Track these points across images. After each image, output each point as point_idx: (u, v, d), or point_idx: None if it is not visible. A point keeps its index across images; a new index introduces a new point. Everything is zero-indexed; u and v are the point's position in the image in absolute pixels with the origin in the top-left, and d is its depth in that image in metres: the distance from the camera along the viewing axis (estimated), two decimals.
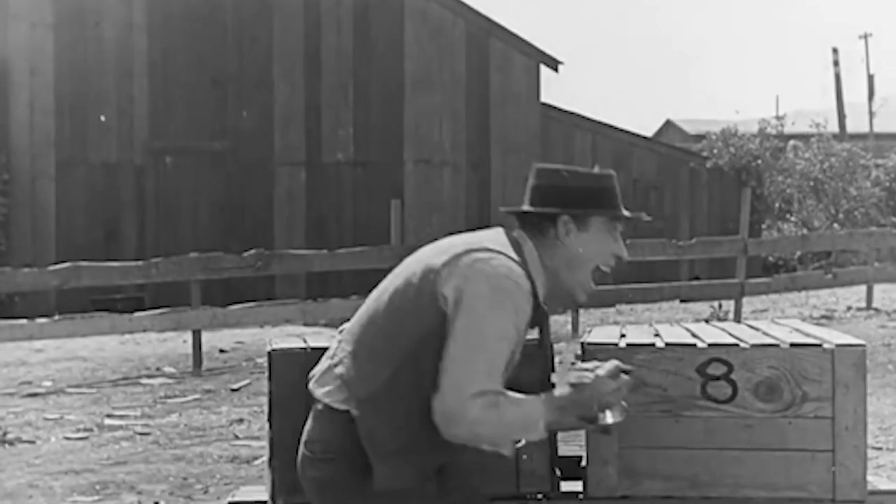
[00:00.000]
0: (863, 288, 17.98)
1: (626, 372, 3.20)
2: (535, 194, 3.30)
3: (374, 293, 3.32)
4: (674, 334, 4.00)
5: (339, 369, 3.24)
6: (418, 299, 3.16)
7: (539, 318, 3.34)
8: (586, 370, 3.18)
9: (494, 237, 3.27)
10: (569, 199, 3.26)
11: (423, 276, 3.18)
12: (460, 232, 3.53)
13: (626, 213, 3.36)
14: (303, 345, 3.76)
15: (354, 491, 3.20)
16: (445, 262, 3.17)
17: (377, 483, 3.16)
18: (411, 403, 3.14)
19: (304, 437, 3.29)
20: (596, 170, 3.33)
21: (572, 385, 3.15)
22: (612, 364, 3.19)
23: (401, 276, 3.25)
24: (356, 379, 3.19)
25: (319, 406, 3.26)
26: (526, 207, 3.30)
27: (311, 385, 3.31)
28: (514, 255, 3.21)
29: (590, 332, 4.15)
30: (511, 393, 3.11)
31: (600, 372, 3.16)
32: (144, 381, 12.27)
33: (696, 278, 22.07)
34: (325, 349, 3.62)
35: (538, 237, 3.27)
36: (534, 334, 3.58)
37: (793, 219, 27.31)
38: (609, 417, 3.18)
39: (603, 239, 3.32)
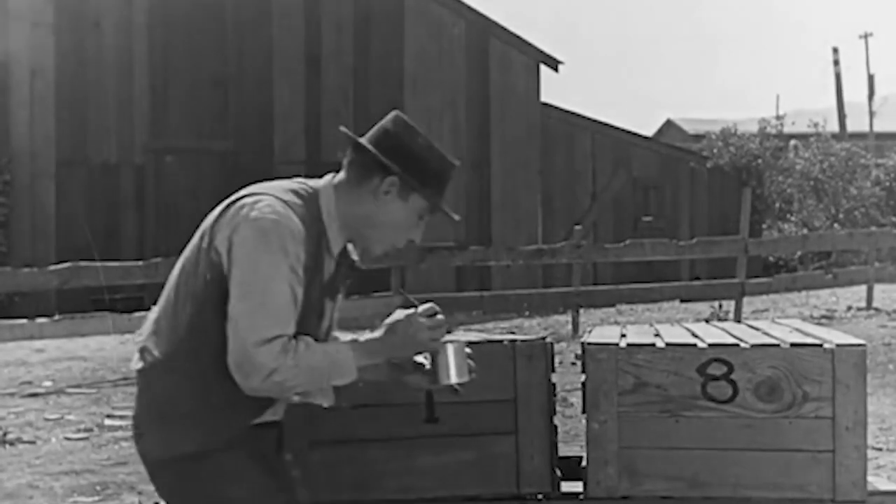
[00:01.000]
0: (863, 288, 17.98)
1: (437, 314, 3.15)
2: (382, 137, 3.17)
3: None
4: (674, 334, 4.00)
5: (140, 339, 3.19)
6: (198, 257, 3.10)
7: (343, 268, 3.22)
8: (401, 314, 3.12)
9: (282, 183, 3.17)
10: (410, 165, 3.13)
11: (203, 233, 3.13)
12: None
13: (445, 208, 3.25)
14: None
15: (170, 460, 3.12)
16: (218, 216, 3.11)
17: (151, 449, 3.10)
18: (203, 364, 3.05)
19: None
20: (446, 154, 3.23)
21: (384, 327, 3.10)
22: (427, 306, 3.14)
23: (190, 244, 3.19)
24: (152, 345, 3.13)
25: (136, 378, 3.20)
26: (369, 146, 3.15)
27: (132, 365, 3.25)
28: (291, 196, 3.09)
29: (590, 332, 4.15)
30: (309, 339, 3.02)
31: (414, 318, 3.10)
32: None
33: (697, 278, 22.08)
34: None
35: (359, 179, 3.15)
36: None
37: (793, 219, 27.31)
38: (454, 376, 3.16)
39: (411, 217, 3.19)
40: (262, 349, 2.94)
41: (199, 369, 3.07)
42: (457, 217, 3.34)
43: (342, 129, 3.25)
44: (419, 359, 3.27)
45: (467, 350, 3.20)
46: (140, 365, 3.15)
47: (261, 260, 2.99)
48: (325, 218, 3.14)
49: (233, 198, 3.16)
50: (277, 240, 3.00)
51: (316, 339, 3.10)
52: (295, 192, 3.13)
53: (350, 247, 3.24)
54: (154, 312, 3.23)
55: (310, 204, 3.12)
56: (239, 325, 2.96)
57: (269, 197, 3.08)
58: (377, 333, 3.11)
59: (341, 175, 3.19)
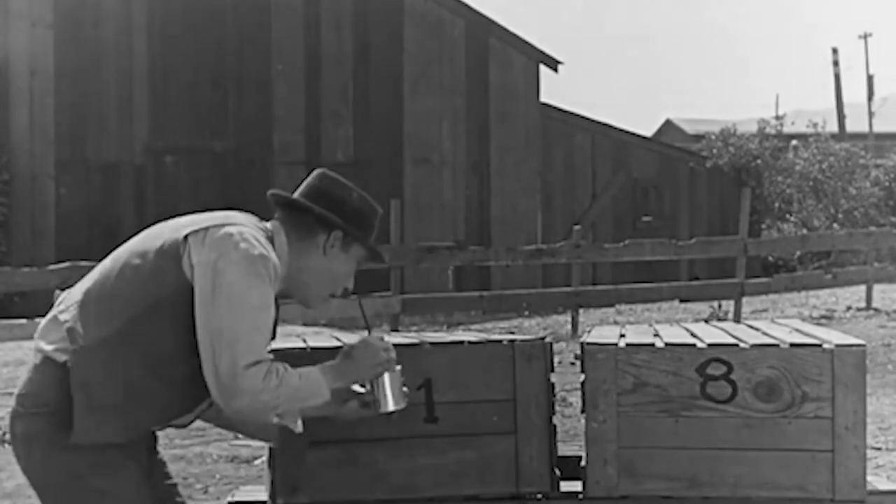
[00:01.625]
0: (862, 288, 17.97)
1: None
2: (317, 195, 3.31)
3: (109, 258, 3.29)
4: (673, 334, 4.00)
5: (65, 316, 3.18)
6: (159, 262, 3.14)
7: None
8: (359, 340, 3.33)
9: (247, 220, 3.26)
10: (350, 217, 3.30)
11: (169, 241, 3.16)
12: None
13: (381, 253, 3.46)
14: (302, 345, 3.77)
15: (60, 446, 3.13)
16: (194, 232, 3.15)
17: (77, 436, 3.10)
18: (133, 360, 3.11)
19: (17, 391, 3.22)
20: (372, 202, 3.41)
21: (343, 353, 3.28)
22: (379, 332, 3.38)
23: (143, 242, 3.22)
24: (80, 328, 3.14)
25: (38, 359, 3.19)
26: (309, 205, 3.29)
27: (35, 339, 3.24)
28: (263, 238, 3.21)
29: (589, 332, 4.15)
30: (283, 363, 3.15)
31: (370, 342, 3.30)
32: None
33: (696, 278, 22.08)
34: (324, 349, 3.63)
35: (300, 235, 3.28)
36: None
37: (792, 219, 27.31)
38: (391, 404, 3.31)
39: (351, 266, 3.35)
40: (251, 371, 3.05)
41: (133, 364, 3.12)
42: (386, 259, 3.57)
43: (272, 192, 3.38)
44: (356, 388, 3.40)
45: (402, 378, 3.36)
46: (64, 355, 3.14)
47: (253, 288, 3.10)
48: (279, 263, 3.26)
49: (206, 221, 3.21)
50: (266, 272, 3.13)
51: None
52: (262, 231, 3.24)
53: None
54: (79, 293, 3.22)
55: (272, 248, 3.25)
56: (226, 348, 3.04)
57: (251, 230, 3.19)
58: (338, 358, 3.29)
59: (282, 228, 3.30)
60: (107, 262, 3.27)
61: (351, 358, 3.27)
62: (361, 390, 3.38)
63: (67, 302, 3.23)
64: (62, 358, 3.14)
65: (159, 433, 3.40)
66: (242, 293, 3.07)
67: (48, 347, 3.17)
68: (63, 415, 3.12)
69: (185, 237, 3.15)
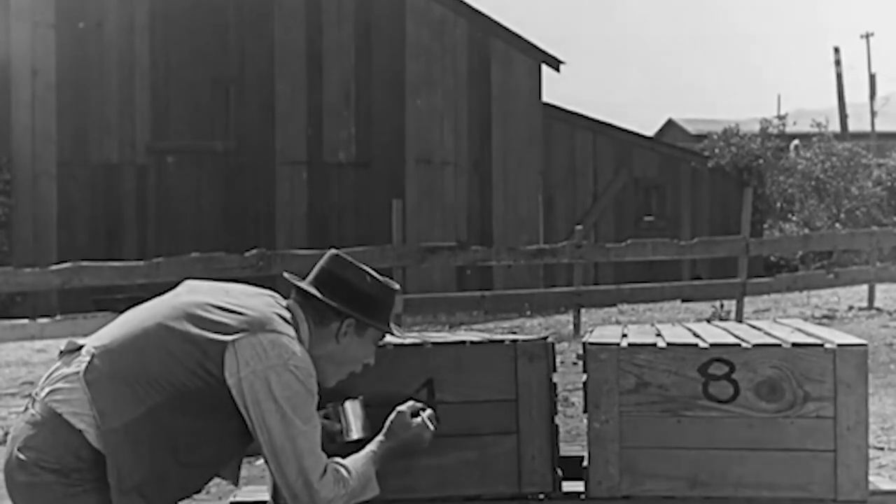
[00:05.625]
0: (865, 288, 17.96)
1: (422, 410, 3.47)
2: (329, 281, 3.35)
3: (141, 316, 3.25)
4: (675, 334, 3.99)
5: (93, 390, 3.12)
6: (197, 355, 3.14)
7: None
8: (405, 413, 3.44)
9: (277, 311, 3.28)
10: (360, 302, 3.35)
11: (209, 336, 3.15)
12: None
13: (395, 330, 3.50)
14: None
15: None
16: (236, 338, 3.15)
17: None
18: (158, 444, 3.13)
19: (18, 438, 3.16)
20: (387, 281, 3.42)
21: (393, 433, 3.42)
22: (410, 404, 3.46)
23: (178, 319, 3.19)
24: (110, 404, 3.11)
25: (46, 413, 3.14)
26: (318, 294, 3.34)
27: (43, 385, 3.19)
28: (296, 337, 3.27)
29: (591, 331, 4.15)
30: (342, 461, 3.30)
31: (418, 420, 3.44)
32: None
33: (698, 278, 22.07)
34: None
35: (316, 325, 3.35)
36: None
37: (794, 218, 27.31)
38: (354, 433, 3.47)
39: (368, 347, 3.42)
40: (324, 482, 3.22)
41: (158, 448, 3.14)
42: (400, 332, 3.61)
43: (286, 275, 3.47)
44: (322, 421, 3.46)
45: (363, 407, 3.49)
46: (81, 422, 3.11)
47: (306, 406, 3.21)
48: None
49: (247, 320, 3.19)
50: (313, 387, 3.24)
51: None
52: (293, 329, 3.29)
53: None
54: (100, 359, 3.17)
55: (301, 340, 3.33)
56: (295, 464, 3.18)
57: (290, 340, 3.22)
58: (386, 440, 3.42)
59: (301, 313, 3.35)
60: (136, 326, 3.21)
61: (404, 440, 3.43)
62: (325, 422, 3.45)
63: (95, 370, 3.15)
64: (80, 426, 3.11)
65: None
66: (298, 408, 3.18)
67: (64, 409, 3.12)
68: (73, 477, 3.10)
69: (228, 340, 3.15)
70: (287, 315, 3.29)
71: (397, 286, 3.47)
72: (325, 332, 3.34)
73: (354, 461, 3.33)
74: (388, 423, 3.41)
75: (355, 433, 3.41)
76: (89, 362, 3.16)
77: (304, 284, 3.35)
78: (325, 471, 3.21)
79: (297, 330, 3.29)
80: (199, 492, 3.35)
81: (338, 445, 3.43)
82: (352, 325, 3.34)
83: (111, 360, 3.15)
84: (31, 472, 3.11)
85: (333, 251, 3.44)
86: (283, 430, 3.16)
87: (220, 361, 3.13)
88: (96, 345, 3.20)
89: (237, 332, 3.16)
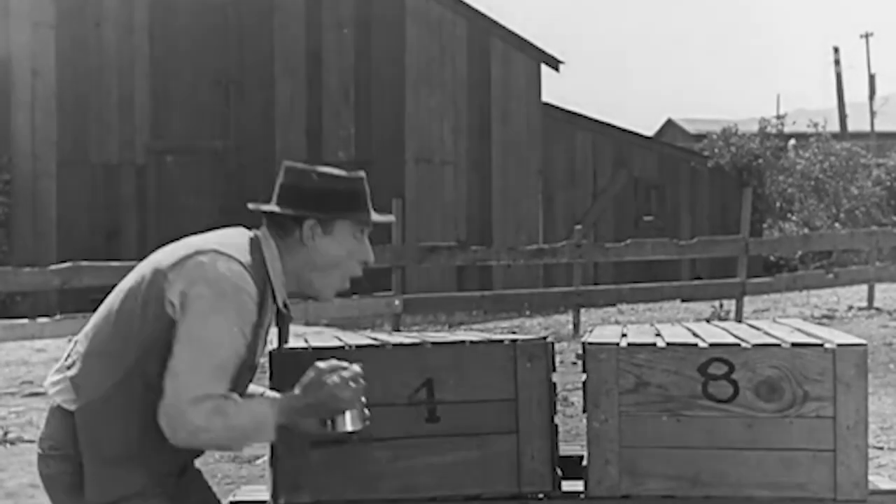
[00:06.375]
0: (864, 287, 17.98)
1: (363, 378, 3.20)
2: (283, 194, 3.26)
3: (112, 293, 3.27)
4: (675, 334, 3.99)
5: (72, 371, 3.19)
6: (146, 303, 3.13)
7: (280, 321, 3.34)
8: (322, 370, 3.16)
9: (231, 237, 3.23)
10: (316, 202, 3.22)
11: (153, 279, 3.14)
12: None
13: (374, 217, 3.31)
14: (304, 345, 3.76)
15: (80, 492, 3.16)
16: (172, 265, 3.13)
17: (91, 495, 3.13)
18: (137, 410, 3.11)
19: (39, 434, 3.27)
20: (345, 172, 3.28)
21: (305, 387, 3.16)
22: (352, 368, 3.19)
23: (133, 279, 3.21)
24: (85, 381, 3.15)
25: (50, 404, 3.24)
26: (272, 207, 3.25)
27: (46, 382, 3.27)
28: (245, 256, 3.17)
29: (591, 331, 4.15)
30: (238, 397, 3.10)
31: (335, 378, 3.14)
32: None
33: (698, 278, 22.07)
34: (326, 349, 3.63)
35: (283, 238, 3.24)
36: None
37: (794, 218, 27.32)
38: (349, 424, 3.20)
39: (348, 243, 3.27)
40: (195, 408, 3.01)
41: (138, 413, 3.11)
42: (392, 218, 3.42)
43: (250, 205, 3.35)
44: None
45: (363, 398, 3.23)
46: (73, 405, 3.16)
47: (213, 320, 3.05)
48: (271, 273, 3.22)
49: (187, 249, 3.18)
50: (233, 303, 3.07)
51: (243, 392, 3.22)
52: (247, 251, 3.20)
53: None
54: (84, 339, 3.24)
55: (258, 262, 3.20)
56: (178, 380, 3.02)
57: (226, 257, 3.14)
58: (299, 394, 3.16)
59: (269, 233, 3.27)
60: (106, 303, 3.25)
61: (313, 392, 3.15)
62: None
63: (74, 354, 3.24)
64: (71, 408, 3.17)
65: None
66: (202, 327, 3.05)
67: (58, 399, 3.20)
68: (79, 460, 3.16)
69: (166, 272, 3.13)
70: (242, 240, 3.23)
71: (360, 173, 3.30)
72: (292, 241, 3.23)
73: (252, 401, 3.17)
74: (303, 378, 3.18)
75: (349, 425, 3.21)
76: (72, 348, 3.26)
77: (259, 206, 3.28)
78: (206, 397, 3.01)
79: (259, 251, 3.20)
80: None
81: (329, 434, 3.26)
82: (314, 226, 3.21)
83: (87, 340, 3.21)
84: (47, 462, 3.21)
85: (284, 162, 3.35)
86: (183, 345, 3.04)
87: (162, 301, 3.11)
88: (81, 333, 3.29)
89: (173, 265, 3.13)
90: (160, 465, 3.19)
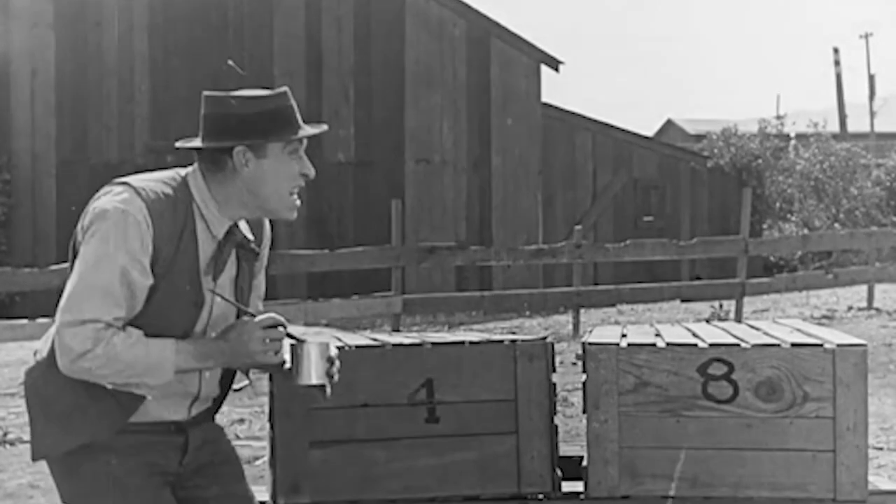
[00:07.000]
0: (864, 288, 17.97)
1: (282, 327, 3.07)
2: (208, 126, 3.15)
3: None
4: (675, 334, 3.99)
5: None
6: (75, 249, 3.14)
7: (243, 256, 3.20)
8: (244, 322, 3.07)
9: (146, 175, 3.16)
10: (241, 129, 3.10)
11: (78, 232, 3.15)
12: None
13: (304, 130, 3.17)
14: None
15: (53, 458, 3.16)
16: (87, 206, 3.12)
17: (35, 449, 3.11)
18: None
19: None
20: (266, 91, 3.18)
21: (220, 334, 3.07)
22: (265, 316, 3.08)
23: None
24: (41, 345, 3.17)
25: None
26: (197, 143, 3.14)
27: None
28: (149, 185, 3.08)
29: (591, 332, 4.15)
30: (134, 330, 3.00)
31: (252, 330, 3.04)
32: None
33: (697, 278, 22.07)
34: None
35: (215, 171, 3.13)
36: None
37: (793, 218, 27.32)
38: (305, 378, 3.05)
39: (285, 162, 3.14)
40: (72, 331, 2.95)
41: None
42: (324, 127, 3.27)
43: (177, 144, 3.27)
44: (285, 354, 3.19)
45: (332, 353, 3.10)
46: (27, 367, 3.18)
47: (95, 247, 3.01)
48: (199, 202, 3.13)
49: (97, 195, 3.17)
50: (116, 229, 3.00)
51: (192, 327, 3.10)
52: (159, 181, 3.13)
53: (243, 225, 3.22)
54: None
55: (178, 191, 3.12)
56: (61, 306, 3.00)
57: (122, 186, 3.09)
58: (210, 338, 3.09)
59: (200, 166, 3.18)
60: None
61: (225, 340, 3.06)
62: (287, 357, 3.16)
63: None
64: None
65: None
66: (88, 253, 3.02)
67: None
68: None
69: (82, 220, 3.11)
70: (163, 175, 3.14)
71: (282, 88, 3.19)
72: (227, 172, 3.11)
73: (153, 339, 3.01)
74: (232, 324, 3.09)
75: (315, 378, 3.05)
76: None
77: (184, 144, 3.21)
78: (86, 322, 2.94)
79: (183, 183, 3.12)
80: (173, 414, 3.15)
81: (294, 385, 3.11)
82: (244, 153, 3.10)
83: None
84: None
85: (205, 92, 3.25)
86: (75, 270, 3.03)
87: (77, 238, 3.12)
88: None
89: (88, 210, 3.11)
90: (110, 418, 3.08)
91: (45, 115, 21.05)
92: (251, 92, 3.17)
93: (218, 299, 3.14)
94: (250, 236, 3.24)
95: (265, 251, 3.33)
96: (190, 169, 3.19)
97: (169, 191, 3.10)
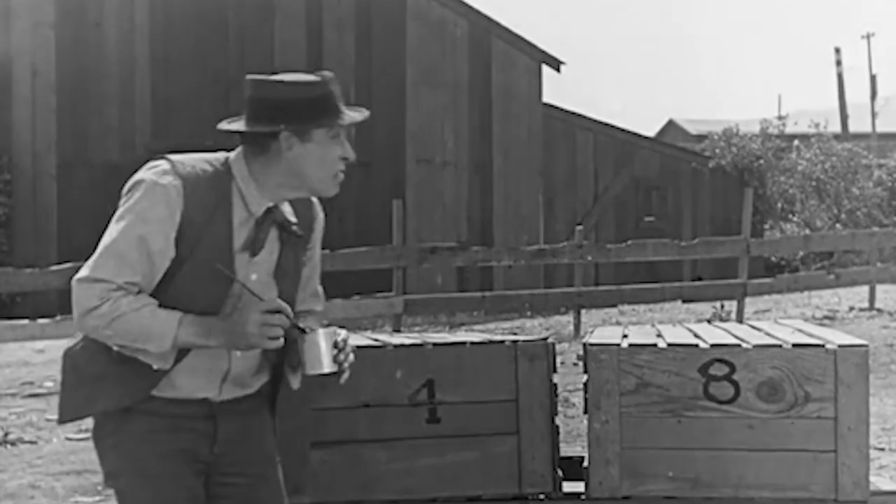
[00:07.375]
0: (865, 288, 17.96)
1: (282, 313, 3.07)
2: (253, 109, 3.21)
3: None
4: (676, 335, 3.99)
5: None
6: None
7: (285, 238, 3.23)
8: (249, 308, 3.08)
9: (191, 154, 3.25)
10: (287, 113, 3.16)
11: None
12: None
13: (349, 115, 3.27)
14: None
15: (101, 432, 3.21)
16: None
17: (61, 412, 3.16)
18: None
19: None
20: (312, 77, 3.23)
21: (223, 316, 3.10)
22: (270, 301, 3.10)
23: None
24: None
25: None
26: (243, 127, 3.21)
27: None
28: (190, 161, 3.19)
29: (592, 332, 4.14)
30: (146, 297, 3.06)
31: (256, 316, 3.06)
32: None
33: (699, 278, 22.06)
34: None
35: (257, 154, 3.20)
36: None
37: (795, 219, 27.32)
38: (326, 367, 3.07)
39: (328, 146, 3.21)
40: (83, 286, 3.05)
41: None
42: (367, 113, 3.35)
43: (221, 125, 3.32)
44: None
45: (339, 340, 3.12)
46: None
47: (121, 215, 3.10)
48: (239, 180, 3.20)
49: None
50: (144, 198, 3.09)
51: (220, 302, 3.12)
52: (201, 158, 3.23)
53: (287, 208, 3.26)
54: None
55: (217, 168, 3.21)
56: (90, 261, 3.09)
57: (162, 160, 3.19)
58: (214, 318, 3.11)
59: (241, 154, 3.25)
60: None
61: (225, 320, 3.09)
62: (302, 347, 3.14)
63: None
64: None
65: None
66: (115, 219, 3.10)
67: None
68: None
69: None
70: (207, 155, 3.24)
71: (328, 73, 3.26)
72: (270, 155, 3.18)
73: (161, 309, 3.06)
74: (233, 309, 3.11)
75: (326, 366, 3.08)
76: None
77: (229, 126, 3.26)
78: (100, 280, 3.03)
79: (225, 162, 3.21)
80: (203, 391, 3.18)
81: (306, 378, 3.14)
82: (290, 137, 3.16)
83: None
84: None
85: (250, 76, 3.29)
86: (105, 234, 3.11)
87: None
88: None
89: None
90: (134, 386, 3.12)
91: (46, 116, 21.05)
92: (298, 77, 3.22)
93: (254, 278, 3.16)
94: (293, 219, 3.27)
95: (316, 241, 3.37)
96: (235, 155, 3.26)
97: (208, 167, 3.21)
